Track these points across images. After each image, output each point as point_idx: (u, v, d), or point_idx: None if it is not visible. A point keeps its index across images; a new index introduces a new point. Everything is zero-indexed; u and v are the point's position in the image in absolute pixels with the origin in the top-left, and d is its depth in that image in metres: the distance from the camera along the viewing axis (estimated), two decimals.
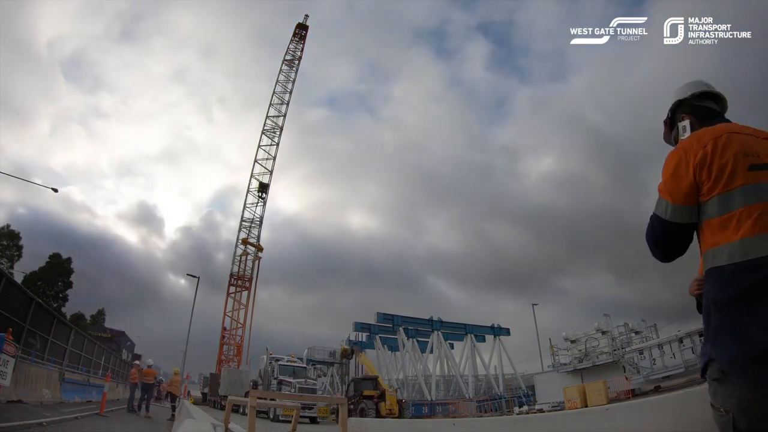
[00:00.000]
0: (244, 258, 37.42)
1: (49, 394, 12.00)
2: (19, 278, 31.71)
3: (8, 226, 40.12)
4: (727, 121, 1.53)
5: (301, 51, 42.09)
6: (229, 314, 36.41)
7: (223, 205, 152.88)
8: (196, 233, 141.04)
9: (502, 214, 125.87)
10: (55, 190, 19.05)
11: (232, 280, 36.89)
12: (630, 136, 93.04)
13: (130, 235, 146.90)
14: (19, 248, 39.73)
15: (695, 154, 1.29)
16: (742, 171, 1.21)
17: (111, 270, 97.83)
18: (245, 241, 37.72)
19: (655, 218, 1.40)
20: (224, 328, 35.92)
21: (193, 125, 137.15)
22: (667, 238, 1.37)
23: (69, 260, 42.59)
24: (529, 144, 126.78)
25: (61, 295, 40.70)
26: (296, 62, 41.72)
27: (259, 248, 38.06)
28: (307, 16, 43.23)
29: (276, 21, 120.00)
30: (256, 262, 37.56)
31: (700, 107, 1.59)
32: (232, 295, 36.72)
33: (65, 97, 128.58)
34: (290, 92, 41.10)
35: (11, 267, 36.28)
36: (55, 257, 41.81)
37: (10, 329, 8.26)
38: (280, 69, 41.27)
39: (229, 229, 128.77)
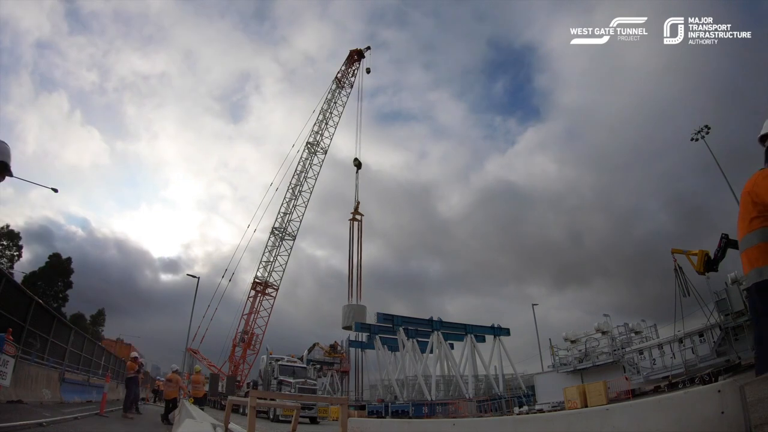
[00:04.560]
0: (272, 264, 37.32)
1: (49, 395, 11.98)
2: (19, 278, 31.71)
3: (8, 226, 40.11)
4: None
5: (353, 77, 39.63)
6: (245, 317, 36.37)
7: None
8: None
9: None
10: (55, 190, 18.89)
11: (256, 285, 36.72)
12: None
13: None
14: (19, 248, 39.72)
15: None
16: None
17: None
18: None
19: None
20: (245, 332, 35.71)
21: None
22: None
23: (69, 260, 42.61)
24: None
25: (61, 296, 40.69)
26: (345, 88, 39.89)
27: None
28: (368, 47, 40.36)
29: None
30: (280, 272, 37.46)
31: None
32: (251, 299, 36.67)
33: None
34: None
35: (11, 267, 36.27)
36: (55, 257, 41.80)
37: (10, 329, 8.28)
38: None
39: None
